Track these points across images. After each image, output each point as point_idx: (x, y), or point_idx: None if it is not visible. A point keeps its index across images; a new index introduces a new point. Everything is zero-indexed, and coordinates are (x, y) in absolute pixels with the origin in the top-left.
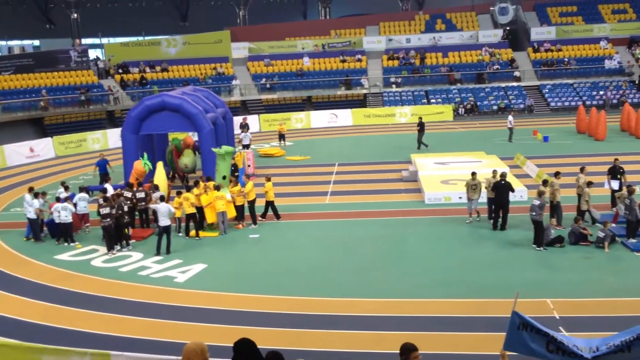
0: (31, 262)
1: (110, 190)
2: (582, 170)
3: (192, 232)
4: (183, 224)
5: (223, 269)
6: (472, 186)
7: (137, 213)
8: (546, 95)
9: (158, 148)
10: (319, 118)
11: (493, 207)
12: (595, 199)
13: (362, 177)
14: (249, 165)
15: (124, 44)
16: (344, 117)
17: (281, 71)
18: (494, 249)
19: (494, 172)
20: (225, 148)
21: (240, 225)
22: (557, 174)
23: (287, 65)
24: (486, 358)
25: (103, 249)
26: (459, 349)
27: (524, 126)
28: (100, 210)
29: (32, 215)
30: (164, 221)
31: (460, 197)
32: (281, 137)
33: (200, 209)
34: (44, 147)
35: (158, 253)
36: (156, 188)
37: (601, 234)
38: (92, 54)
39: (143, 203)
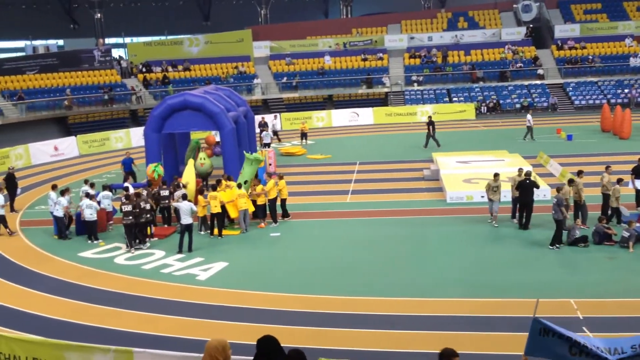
0: (55, 259)
1: (131, 189)
2: (607, 169)
3: (215, 231)
4: (208, 222)
5: (244, 267)
6: (494, 188)
7: (158, 211)
8: (570, 93)
9: (180, 147)
10: (340, 117)
11: (517, 206)
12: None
13: (383, 176)
14: (270, 164)
15: (146, 44)
16: (365, 115)
17: (302, 70)
18: (517, 249)
19: (520, 170)
20: (256, 155)
21: (262, 225)
22: (579, 173)
23: (308, 64)
24: (509, 358)
25: (125, 247)
26: (481, 349)
27: (548, 125)
28: (123, 207)
29: (58, 213)
30: (186, 219)
31: (482, 196)
32: (303, 135)
33: (223, 208)
34: (68, 146)
35: (180, 251)
36: (178, 186)
37: (626, 234)
38: (115, 53)
39: (166, 201)
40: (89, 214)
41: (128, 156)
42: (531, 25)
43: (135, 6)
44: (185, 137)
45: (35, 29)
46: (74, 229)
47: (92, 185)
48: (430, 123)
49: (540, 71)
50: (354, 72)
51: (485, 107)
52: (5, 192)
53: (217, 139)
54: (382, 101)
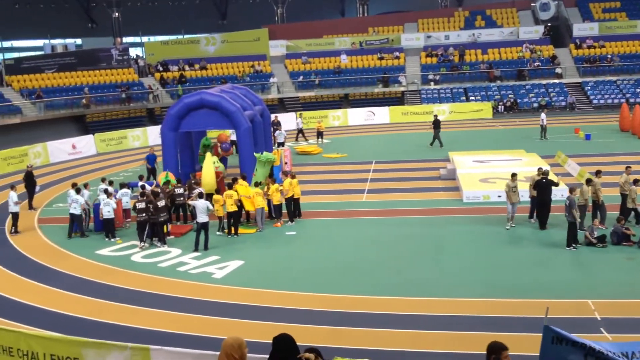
0: (73, 256)
1: (147, 188)
2: (627, 169)
3: (232, 229)
4: (225, 220)
5: (260, 265)
6: (513, 188)
7: (173, 210)
8: (588, 92)
9: (196, 145)
10: (356, 115)
11: (537, 206)
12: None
13: (399, 175)
14: (286, 163)
15: (163, 43)
16: (382, 114)
17: (318, 69)
18: (534, 249)
19: (539, 170)
20: (267, 156)
21: (279, 224)
22: (597, 173)
23: (324, 63)
24: (525, 359)
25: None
26: None
27: (566, 124)
28: (137, 205)
29: (75, 211)
30: (202, 217)
31: (499, 196)
32: (319, 134)
33: (239, 207)
34: (86, 144)
35: (196, 249)
36: (197, 184)
37: None
38: (133, 52)
39: (181, 198)
40: (107, 212)
41: (152, 152)
42: (549, 24)
43: (153, 5)
44: (201, 136)
45: (54, 28)
46: (89, 226)
47: (110, 183)
48: (436, 122)
49: (558, 70)
50: (370, 71)
51: (503, 106)
52: (19, 190)
53: (233, 137)
54: (398, 100)
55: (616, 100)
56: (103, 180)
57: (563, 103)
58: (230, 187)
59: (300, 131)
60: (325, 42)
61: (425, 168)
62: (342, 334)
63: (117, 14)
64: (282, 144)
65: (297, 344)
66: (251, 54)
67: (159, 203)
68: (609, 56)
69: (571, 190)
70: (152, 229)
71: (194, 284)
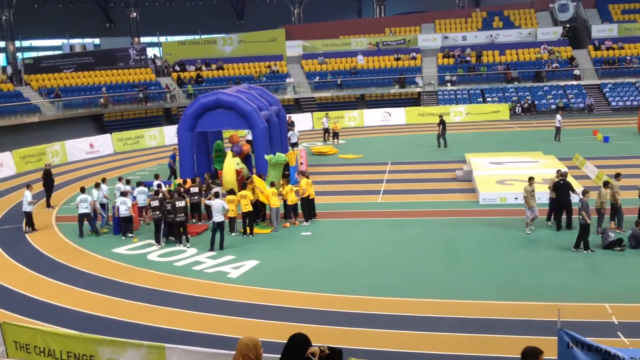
0: (90, 255)
1: (163, 187)
2: None
3: (247, 229)
4: (239, 221)
5: (275, 265)
6: (531, 192)
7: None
8: (607, 94)
9: (213, 145)
10: (372, 116)
11: (555, 208)
12: None
13: (415, 176)
14: (301, 163)
15: (181, 43)
16: (398, 115)
17: (335, 69)
18: (550, 251)
19: (558, 172)
20: (278, 158)
21: (296, 223)
22: (617, 176)
23: (341, 64)
24: None
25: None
26: (511, 353)
27: (584, 126)
28: (151, 203)
29: (84, 210)
30: (217, 217)
31: (516, 198)
32: (335, 135)
33: (254, 207)
34: (103, 143)
35: (212, 249)
36: (214, 183)
37: None
38: (150, 52)
39: (196, 197)
40: (124, 210)
41: (175, 152)
42: (568, 25)
43: (170, 5)
44: (217, 136)
45: (73, 27)
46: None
47: (127, 182)
48: (442, 123)
49: (576, 72)
50: (387, 71)
51: (520, 108)
52: (37, 189)
53: (249, 137)
54: (414, 101)
55: (635, 103)
56: (120, 179)
57: (581, 105)
58: (244, 187)
59: (326, 130)
60: (342, 43)
61: (441, 169)
62: (356, 335)
63: (135, 14)
64: (295, 145)
65: (312, 344)
66: (268, 54)
67: (177, 203)
68: (628, 58)
69: (584, 193)
70: (168, 227)
71: (209, 283)
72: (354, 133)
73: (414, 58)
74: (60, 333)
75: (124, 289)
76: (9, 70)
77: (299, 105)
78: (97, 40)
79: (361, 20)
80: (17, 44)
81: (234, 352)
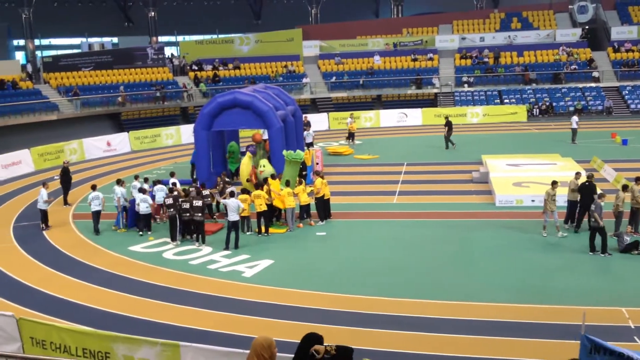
0: (106, 252)
1: (178, 185)
2: None
3: (262, 228)
4: (253, 220)
5: (290, 265)
6: (552, 197)
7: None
8: (626, 96)
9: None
10: (389, 117)
11: (578, 210)
12: None
13: (431, 178)
14: (317, 163)
15: (198, 42)
16: (414, 116)
17: (351, 69)
18: (566, 254)
19: (577, 174)
20: (296, 155)
21: (311, 223)
22: (638, 180)
23: (357, 64)
24: None
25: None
26: (526, 356)
27: (602, 129)
28: (166, 200)
29: (97, 208)
30: (233, 216)
31: (532, 200)
32: (350, 135)
33: (269, 206)
34: (121, 142)
35: (227, 248)
36: (228, 183)
37: None
38: (168, 51)
39: (207, 199)
40: (145, 207)
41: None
42: (587, 27)
43: (188, 5)
44: (234, 135)
45: (91, 26)
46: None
47: (145, 180)
48: (448, 124)
49: (595, 74)
50: (404, 72)
51: (538, 110)
52: (53, 187)
53: (265, 136)
54: (431, 102)
55: None
56: (136, 177)
57: (600, 107)
58: (257, 187)
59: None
60: (359, 43)
61: (458, 171)
62: (369, 336)
63: (153, 13)
64: (310, 144)
65: (326, 344)
66: (284, 54)
67: (195, 202)
68: None
69: (600, 196)
70: (183, 226)
71: (224, 282)
72: (370, 133)
73: (431, 59)
74: (76, 329)
75: (139, 287)
76: (29, 68)
77: (315, 106)
78: (115, 39)
79: (378, 20)
80: (37, 42)
81: (248, 351)
